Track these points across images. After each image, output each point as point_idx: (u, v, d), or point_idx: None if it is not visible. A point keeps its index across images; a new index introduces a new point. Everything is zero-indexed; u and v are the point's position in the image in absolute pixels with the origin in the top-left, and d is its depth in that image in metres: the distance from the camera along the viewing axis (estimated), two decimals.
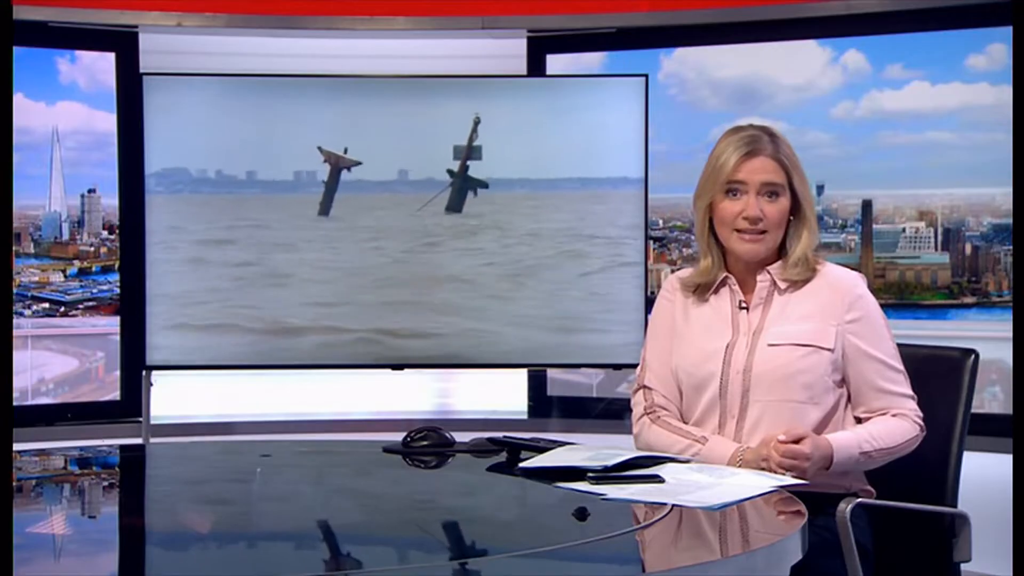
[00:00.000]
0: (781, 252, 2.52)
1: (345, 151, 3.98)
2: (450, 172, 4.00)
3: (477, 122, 3.95)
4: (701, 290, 2.56)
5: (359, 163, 3.98)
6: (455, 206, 4.00)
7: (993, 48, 4.01)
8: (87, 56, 4.31)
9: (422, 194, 4.00)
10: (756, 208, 2.46)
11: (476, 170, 3.99)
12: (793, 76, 4.27)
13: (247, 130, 3.99)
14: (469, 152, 3.98)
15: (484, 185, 3.99)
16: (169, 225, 3.99)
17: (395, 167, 4.01)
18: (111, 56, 4.31)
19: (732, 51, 4.32)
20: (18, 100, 4.14)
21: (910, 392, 2.48)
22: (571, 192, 4.03)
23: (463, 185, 4.00)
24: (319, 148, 3.97)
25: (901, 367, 2.49)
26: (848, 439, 2.39)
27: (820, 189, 4.20)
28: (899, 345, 2.53)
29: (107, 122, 4.31)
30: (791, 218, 2.50)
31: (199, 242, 4.01)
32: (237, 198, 4.01)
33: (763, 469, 2.31)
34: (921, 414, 2.47)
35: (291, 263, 4.00)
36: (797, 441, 2.31)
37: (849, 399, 2.49)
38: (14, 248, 4.20)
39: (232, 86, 4.02)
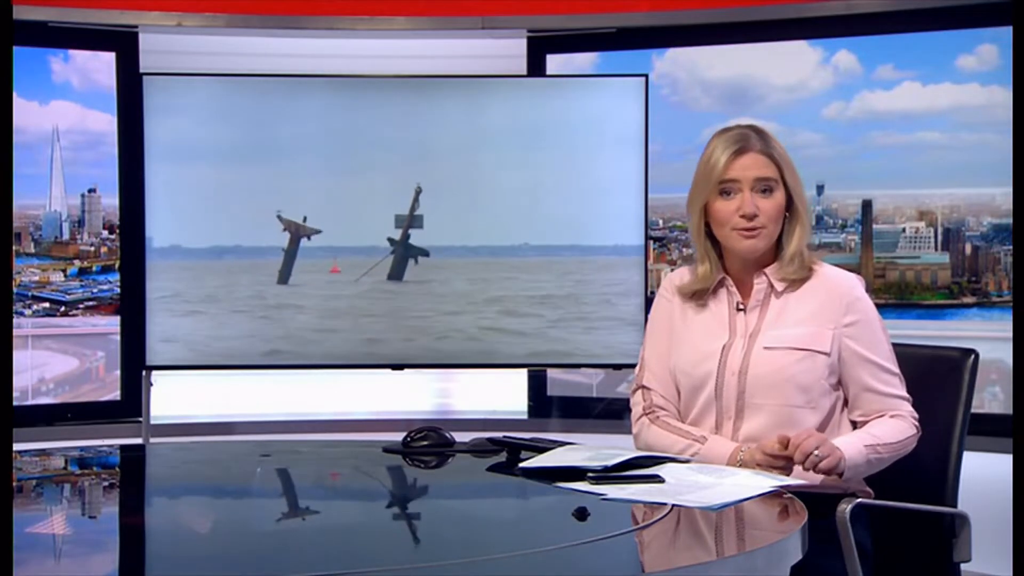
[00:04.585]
0: (777, 251, 2.52)
1: (304, 220, 3.98)
2: (391, 240, 4.01)
3: (418, 192, 3.96)
4: (699, 294, 2.56)
5: (319, 231, 3.98)
6: (396, 274, 4.02)
7: (983, 49, 4.02)
8: (80, 55, 4.31)
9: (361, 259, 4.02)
10: (751, 204, 2.46)
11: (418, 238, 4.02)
12: (784, 76, 4.27)
13: (247, 130, 4.00)
14: (411, 221, 3.99)
15: (425, 253, 4.01)
16: (169, 225, 3.99)
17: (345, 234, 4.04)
18: (104, 55, 4.31)
19: (723, 51, 4.33)
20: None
21: (906, 394, 2.48)
22: (571, 190, 4.03)
23: (404, 253, 4.01)
24: (279, 216, 3.98)
25: (897, 369, 2.48)
26: (852, 441, 2.38)
27: (820, 189, 4.21)
28: (899, 345, 2.53)
29: (101, 121, 4.31)
30: (786, 215, 2.51)
31: (199, 242, 4.01)
32: (236, 198, 4.02)
33: (761, 468, 2.32)
34: (917, 415, 2.47)
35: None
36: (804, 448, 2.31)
37: (845, 402, 2.49)
38: (14, 248, 4.20)
39: (232, 86, 4.02)
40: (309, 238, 4.00)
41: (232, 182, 4.01)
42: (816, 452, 2.27)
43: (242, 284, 4.01)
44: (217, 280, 4.01)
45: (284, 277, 4.02)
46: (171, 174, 3.99)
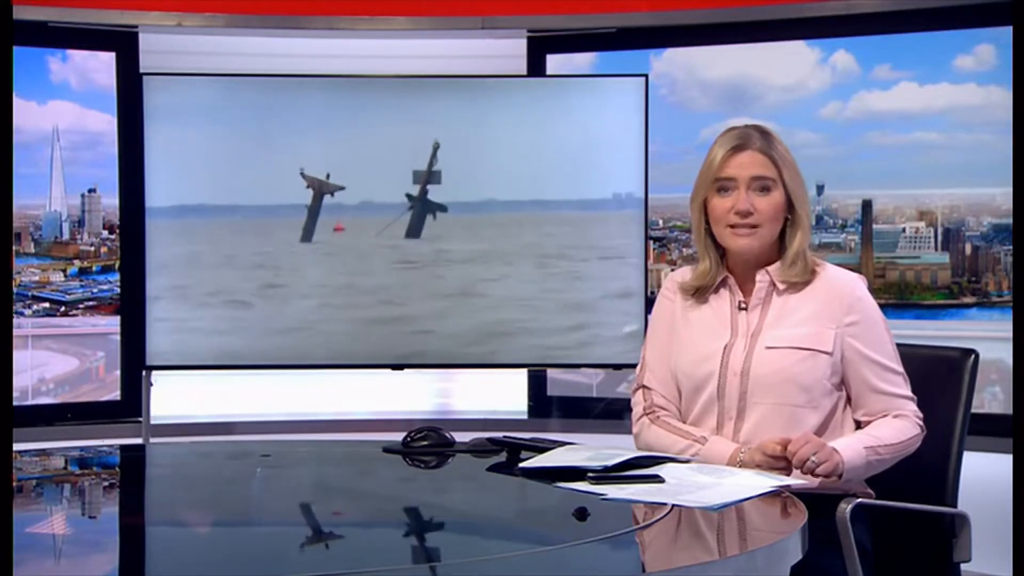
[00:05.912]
0: (780, 251, 2.52)
1: (327, 176, 3.98)
2: (409, 196, 4.01)
3: (436, 147, 3.96)
4: (701, 292, 2.56)
5: (342, 188, 3.98)
6: (414, 231, 4.02)
7: (981, 49, 4.02)
8: (79, 55, 4.30)
9: (382, 218, 4.02)
10: (746, 202, 2.45)
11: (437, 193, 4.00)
12: (782, 76, 4.27)
13: (246, 130, 4.00)
14: (428, 177, 3.99)
15: (443, 209, 4.00)
16: (170, 224, 3.99)
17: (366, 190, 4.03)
18: (103, 55, 4.31)
19: (722, 51, 4.33)
20: None
21: (909, 393, 2.48)
22: (570, 190, 4.03)
23: (422, 209, 4.01)
24: (302, 173, 3.98)
25: (900, 369, 2.48)
26: (851, 442, 2.38)
27: (820, 189, 4.21)
28: (899, 345, 2.53)
29: (99, 121, 4.30)
30: (788, 217, 2.50)
31: (200, 242, 4.01)
32: (236, 197, 4.02)
33: (761, 468, 2.32)
34: (921, 414, 2.47)
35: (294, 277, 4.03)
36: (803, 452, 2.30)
37: (849, 402, 2.49)
38: (14, 248, 4.20)
39: (232, 86, 4.02)
40: (332, 194, 3.99)
41: (232, 181, 4.00)
42: (813, 458, 2.27)
43: (252, 265, 4.01)
44: (219, 275, 4.00)
45: (308, 235, 4.01)
46: (171, 173, 3.99)
